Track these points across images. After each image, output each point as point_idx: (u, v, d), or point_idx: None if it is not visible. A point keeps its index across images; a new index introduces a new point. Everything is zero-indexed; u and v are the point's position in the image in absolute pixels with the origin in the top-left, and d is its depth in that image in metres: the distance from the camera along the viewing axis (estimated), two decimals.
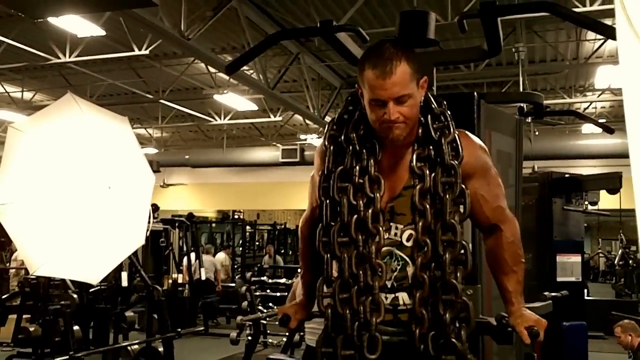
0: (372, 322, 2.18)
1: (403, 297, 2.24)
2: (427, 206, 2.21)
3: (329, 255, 2.27)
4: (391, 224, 2.26)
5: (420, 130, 2.26)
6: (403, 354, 2.21)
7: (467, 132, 2.37)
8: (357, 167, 2.26)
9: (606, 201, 9.18)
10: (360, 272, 2.20)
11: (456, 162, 2.22)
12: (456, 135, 2.26)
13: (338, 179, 2.28)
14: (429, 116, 2.27)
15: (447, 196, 2.20)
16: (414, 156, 2.25)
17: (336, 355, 2.21)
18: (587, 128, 17.17)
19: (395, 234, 2.26)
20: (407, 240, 2.25)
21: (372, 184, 2.25)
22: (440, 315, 2.16)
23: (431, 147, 2.25)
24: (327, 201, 2.30)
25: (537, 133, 16.45)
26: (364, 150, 2.28)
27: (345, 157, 2.30)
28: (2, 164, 3.96)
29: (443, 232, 2.19)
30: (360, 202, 2.24)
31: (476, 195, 2.30)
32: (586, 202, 6.01)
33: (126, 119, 4.51)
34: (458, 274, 2.18)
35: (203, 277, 13.05)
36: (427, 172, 2.23)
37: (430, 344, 2.16)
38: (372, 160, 2.26)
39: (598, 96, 15.35)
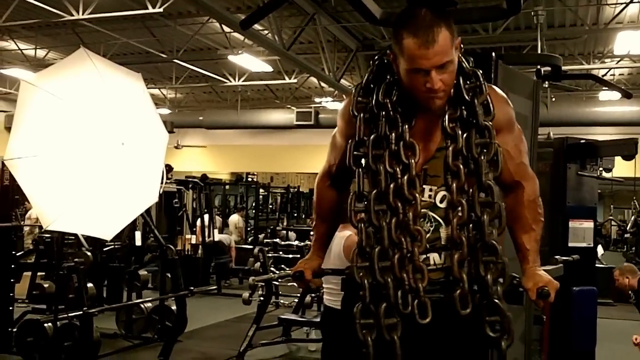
0: (419, 288, 2.15)
1: (434, 257, 2.23)
2: (461, 167, 2.18)
3: (362, 225, 2.22)
4: (424, 186, 2.23)
5: (452, 91, 2.21)
6: (440, 311, 2.18)
7: (492, 86, 2.32)
8: (393, 134, 2.22)
9: (620, 169, 9.13)
10: (402, 239, 2.17)
11: (490, 122, 2.19)
12: (488, 96, 2.21)
13: (373, 147, 2.23)
14: (461, 76, 2.22)
15: (482, 157, 2.17)
16: (446, 117, 2.21)
17: (379, 325, 2.17)
18: (604, 95, 17.00)
19: (430, 196, 2.23)
20: (441, 201, 2.23)
21: (407, 150, 2.21)
22: (482, 277, 2.15)
23: (463, 108, 2.21)
24: (360, 170, 2.26)
25: (553, 99, 16.30)
26: (398, 116, 2.24)
27: (378, 124, 2.25)
28: (16, 118, 3.95)
29: (480, 193, 2.17)
30: (397, 169, 2.20)
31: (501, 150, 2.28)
32: (601, 169, 5.96)
33: (140, 75, 4.48)
34: (496, 234, 2.16)
35: (216, 238, 13.14)
36: (460, 132, 2.19)
37: (472, 304, 2.15)
38: (406, 126, 2.22)
39: (617, 63, 15.15)
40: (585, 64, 14.38)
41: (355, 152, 2.27)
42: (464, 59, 2.25)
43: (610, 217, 19.60)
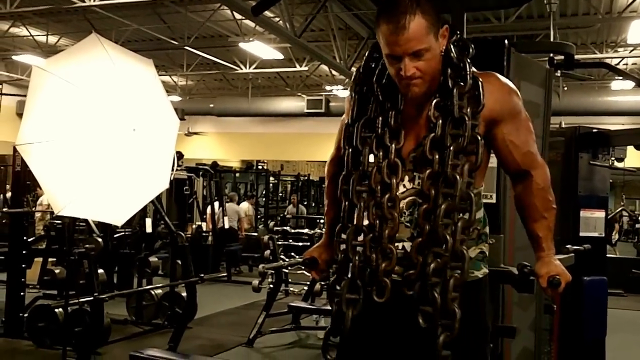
0: (380, 267, 2.18)
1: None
2: (436, 156, 2.17)
3: (347, 203, 2.28)
4: (415, 173, 2.23)
5: (442, 79, 2.21)
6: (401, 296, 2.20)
7: (497, 75, 2.30)
8: (380, 118, 2.25)
9: (632, 159, 9.07)
10: (377, 221, 2.20)
11: (473, 114, 2.17)
12: (478, 83, 2.19)
13: (361, 129, 2.27)
14: (448, 66, 2.21)
15: (452, 148, 2.15)
16: (432, 105, 2.21)
17: (340, 298, 2.25)
18: (617, 84, 16.89)
19: (419, 184, 2.22)
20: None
21: (391, 135, 2.23)
22: (426, 265, 2.13)
23: (449, 97, 2.21)
24: (350, 150, 2.30)
25: (565, 88, 16.22)
26: (386, 101, 2.26)
27: (369, 107, 2.29)
28: (27, 103, 3.95)
29: (444, 185, 2.15)
30: (381, 152, 2.23)
31: (505, 141, 2.27)
32: (612, 158, 5.93)
33: (151, 61, 4.47)
34: (456, 227, 2.13)
35: (226, 226, 13.17)
36: (440, 122, 2.18)
37: (415, 293, 2.17)
38: (394, 111, 2.24)
39: (630, 52, 15.03)
40: (598, 53, 14.28)
41: (347, 133, 2.32)
42: (453, 49, 2.24)
43: (622, 208, 19.50)
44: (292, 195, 19.90)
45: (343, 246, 2.27)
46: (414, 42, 2.07)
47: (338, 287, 2.29)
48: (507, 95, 2.28)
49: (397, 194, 2.21)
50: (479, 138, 2.17)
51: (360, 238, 2.24)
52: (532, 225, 2.31)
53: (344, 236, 2.27)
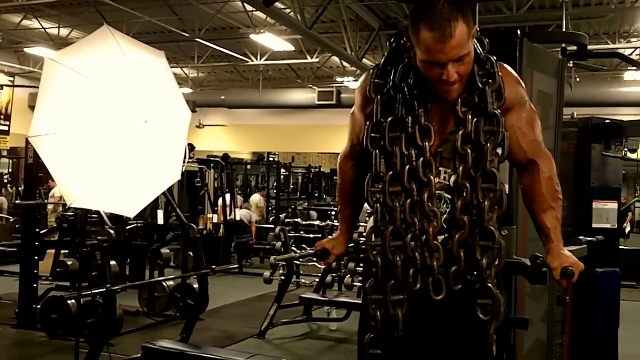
0: (434, 265, 2.20)
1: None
2: (469, 151, 2.19)
3: (378, 205, 2.26)
4: (440, 168, 2.27)
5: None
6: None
7: (504, 65, 2.32)
8: (410, 117, 2.25)
9: None
10: (416, 219, 2.21)
11: (499, 110, 2.20)
12: (501, 81, 2.22)
13: (389, 129, 2.26)
14: (475, 63, 2.23)
15: (489, 144, 2.19)
16: (460, 101, 2.22)
17: (386, 301, 2.24)
18: (629, 75, 16.78)
19: (444, 178, 2.27)
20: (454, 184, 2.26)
21: (422, 134, 2.24)
22: (477, 260, 2.18)
23: (476, 93, 2.22)
24: (377, 151, 2.29)
25: (577, 79, 16.13)
26: (414, 100, 2.26)
27: (395, 107, 2.27)
28: (39, 95, 3.95)
29: (483, 180, 2.19)
30: (412, 151, 2.23)
31: (513, 128, 2.29)
32: (625, 149, 5.89)
33: (162, 53, 4.46)
34: (495, 220, 2.19)
35: (237, 218, 13.19)
36: (470, 117, 2.20)
37: (465, 285, 2.21)
38: (422, 110, 2.24)
39: None
40: (610, 43, 14.19)
41: (372, 134, 2.30)
42: (478, 45, 2.25)
43: (636, 199, 19.40)
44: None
45: (375, 250, 2.26)
46: (459, 49, 2.08)
47: (375, 291, 2.27)
48: (515, 86, 2.31)
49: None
50: (505, 132, 2.20)
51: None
52: (540, 216, 2.31)
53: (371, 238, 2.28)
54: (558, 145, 3.94)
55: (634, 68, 15.06)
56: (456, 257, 2.19)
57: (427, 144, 2.22)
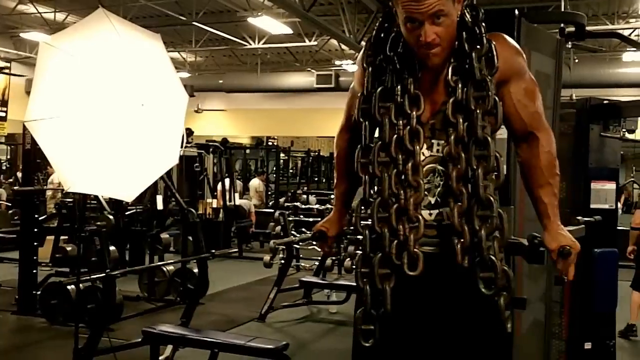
0: (410, 238, 2.15)
1: (447, 212, 2.19)
2: (460, 120, 2.16)
3: (367, 176, 2.24)
4: (432, 140, 2.23)
5: (457, 43, 2.20)
6: (436, 266, 2.18)
7: (504, 35, 2.30)
8: (399, 87, 2.22)
9: None
10: (401, 190, 2.18)
11: (489, 76, 2.16)
12: (492, 46, 2.18)
13: (379, 99, 2.24)
14: (463, 30, 2.20)
15: (478, 110, 2.15)
16: (449, 70, 2.20)
17: (373, 274, 2.17)
18: (628, 56, 16.74)
19: (438, 150, 2.22)
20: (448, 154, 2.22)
21: (411, 102, 2.21)
22: (476, 231, 2.12)
23: (466, 60, 2.19)
24: (367, 122, 2.27)
25: (576, 60, 16.09)
26: (404, 69, 2.23)
27: (385, 77, 2.26)
28: (35, 79, 3.92)
29: (476, 147, 2.15)
30: (400, 121, 2.20)
31: (512, 99, 2.25)
32: (623, 130, 5.88)
33: (159, 36, 4.42)
34: (492, 189, 2.14)
35: (237, 203, 13.19)
36: (460, 85, 2.18)
37: (468, 259, 2.13)
38: (411, 79, 2.22)
39: None
40: (609, 24, 14.15)
41: (364, 106, 2.28)
42: (466, 13, 2.22)
43: (632, 179, 19.38)
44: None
45: (364, 222, 2.23)
46: (433, 3, 2.05)
47: (364, 264, 2.22)
48: (514, 56, 2.28)
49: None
50: (497, 99, 2.17)
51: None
52: (537, 191, 2.28)
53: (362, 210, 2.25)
54: (556, 126, 3.92)
55: (633, 49, 15.02)
56: (459, 230, 2.14)
57: (415, 112, 2.19)
